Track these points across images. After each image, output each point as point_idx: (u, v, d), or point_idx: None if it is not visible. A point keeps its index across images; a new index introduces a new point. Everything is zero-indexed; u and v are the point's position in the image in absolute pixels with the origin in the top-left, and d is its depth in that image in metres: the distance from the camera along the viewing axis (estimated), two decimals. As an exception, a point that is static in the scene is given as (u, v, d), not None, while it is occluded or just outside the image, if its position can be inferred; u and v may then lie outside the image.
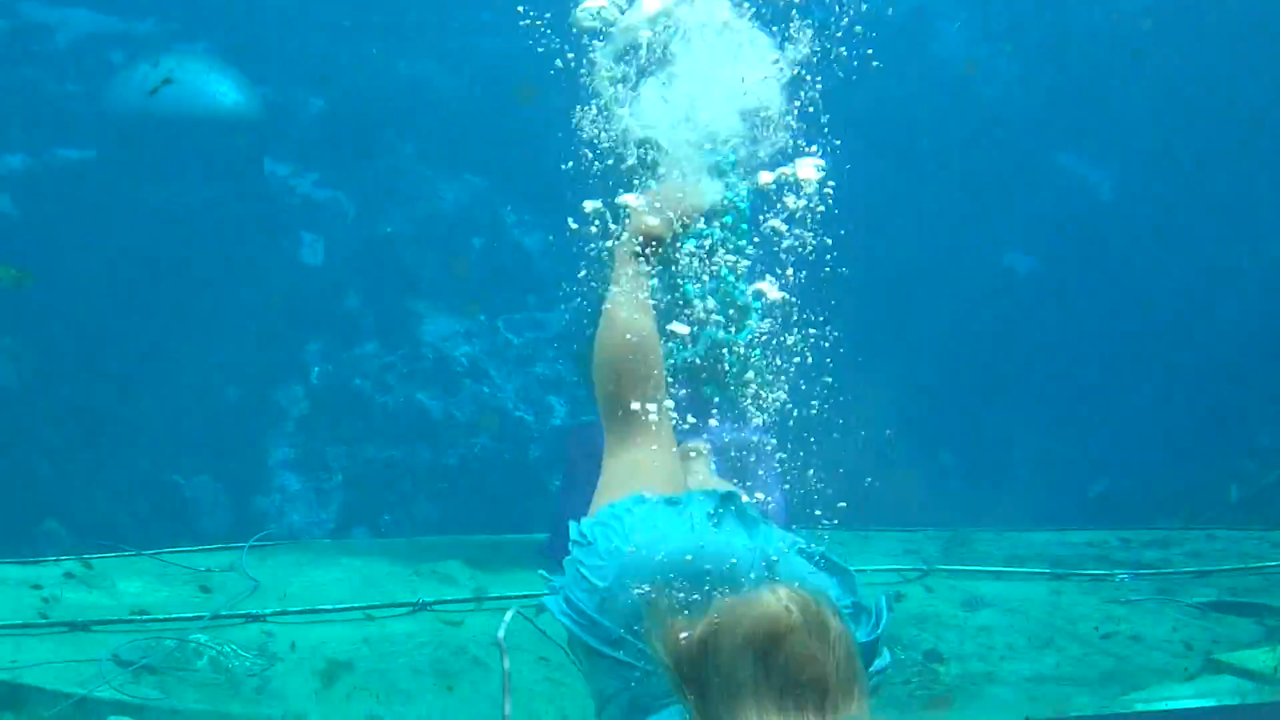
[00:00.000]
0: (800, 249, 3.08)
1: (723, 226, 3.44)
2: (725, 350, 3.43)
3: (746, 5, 3.06)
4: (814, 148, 2.71)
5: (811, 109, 2.99)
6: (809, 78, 2.93)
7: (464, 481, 12.45)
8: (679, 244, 3.33)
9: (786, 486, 3.52)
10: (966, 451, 13.05)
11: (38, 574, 8.30)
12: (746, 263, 3.35)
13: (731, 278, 3.44)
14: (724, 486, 3.11)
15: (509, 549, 9.71)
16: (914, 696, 6.86)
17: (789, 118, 3.04)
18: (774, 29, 3.01)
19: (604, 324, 3.13)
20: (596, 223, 3.32)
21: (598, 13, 2.37)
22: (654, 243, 3.26)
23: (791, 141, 3.04)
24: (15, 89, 13.50)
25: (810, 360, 3.37)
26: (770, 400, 3.33)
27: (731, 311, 3.44)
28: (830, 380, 3.47)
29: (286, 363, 13.00)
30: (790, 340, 3.32)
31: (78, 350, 12.44)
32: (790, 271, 3.15)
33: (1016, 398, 13.21)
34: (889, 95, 11.38)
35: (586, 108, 3.00)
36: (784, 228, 3.07)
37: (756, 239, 3.22)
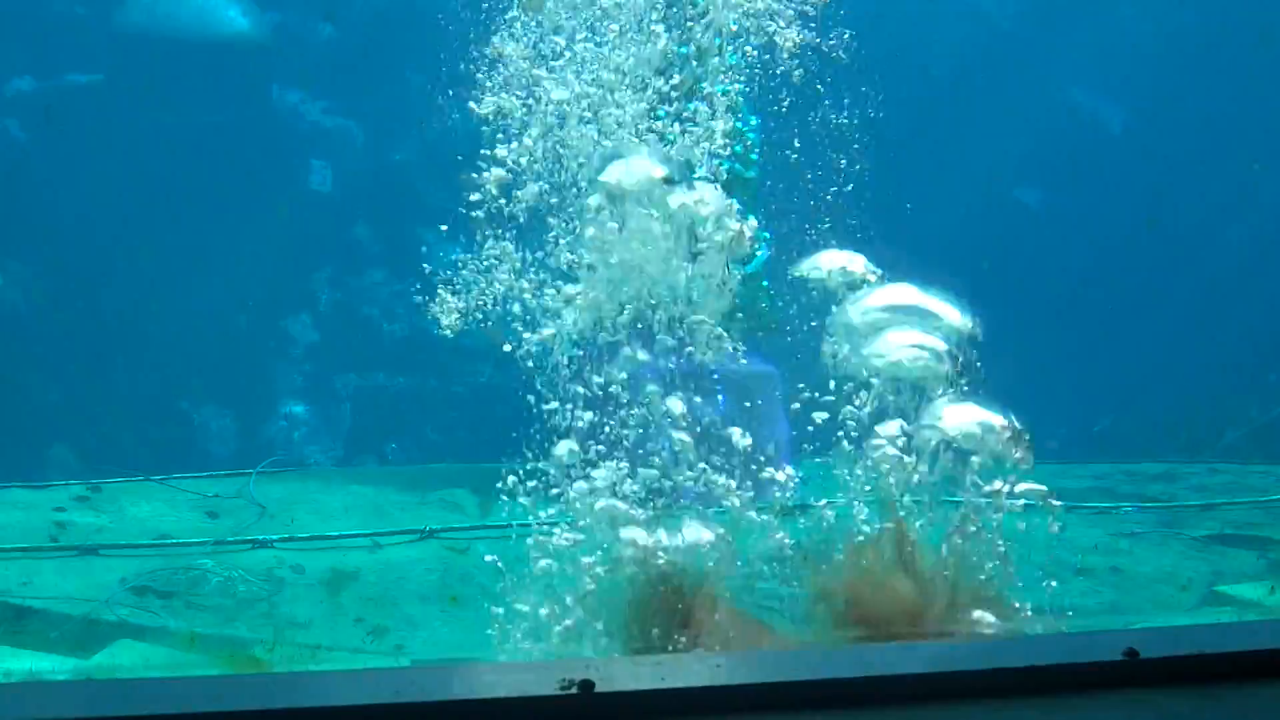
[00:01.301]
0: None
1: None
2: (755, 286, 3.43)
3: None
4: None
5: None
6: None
7: (471, 409, 12.42)
8: None
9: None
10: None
11: (47, 498, 8.31)
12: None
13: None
14: None
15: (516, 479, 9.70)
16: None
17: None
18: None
19: None
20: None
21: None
22: None
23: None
24: (23, 12, 13.36)
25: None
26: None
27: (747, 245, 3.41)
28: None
29: (295, 290, 12.95)
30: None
31: (85, 275, 12.39)
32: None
33: (1024, 332, 13.15)
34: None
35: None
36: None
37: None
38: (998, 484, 3.35)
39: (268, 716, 1.84)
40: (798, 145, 5.67)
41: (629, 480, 3.76)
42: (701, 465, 3.65)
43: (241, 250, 12.35)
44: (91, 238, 12.31)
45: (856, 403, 3.45)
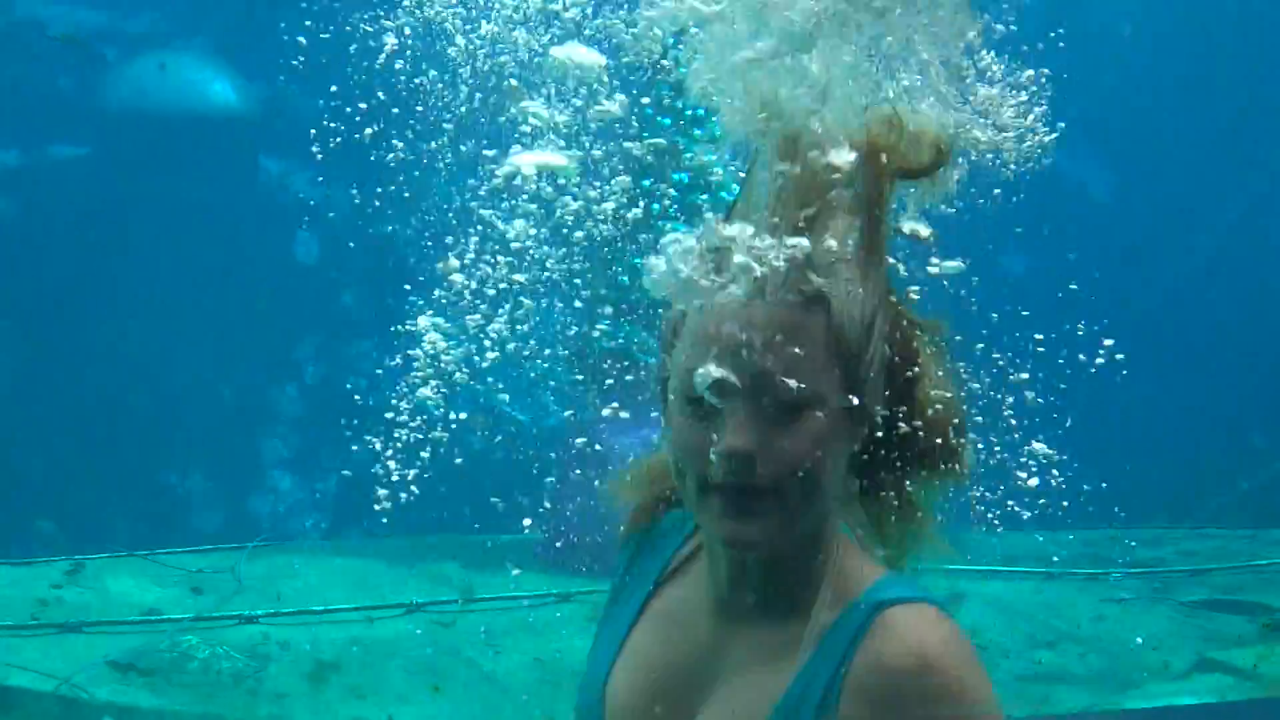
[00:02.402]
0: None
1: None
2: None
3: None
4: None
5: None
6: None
7: (458, 481, 12.37)
8: None
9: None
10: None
11: (30, 574, 8.25)
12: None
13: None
14: None
15: (502, 549, 9.67)
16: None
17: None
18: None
19: None
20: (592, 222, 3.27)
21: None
22: None
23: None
24: (11, 85, 13.41)
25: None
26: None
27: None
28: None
29: (281, 361, 12.94)
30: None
31: (71, 347, 12.37)
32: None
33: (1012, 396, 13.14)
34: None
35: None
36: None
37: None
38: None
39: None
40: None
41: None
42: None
43: (227, 321, 12.35)
44: (77, 310, 12.30)
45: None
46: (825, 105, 1.89)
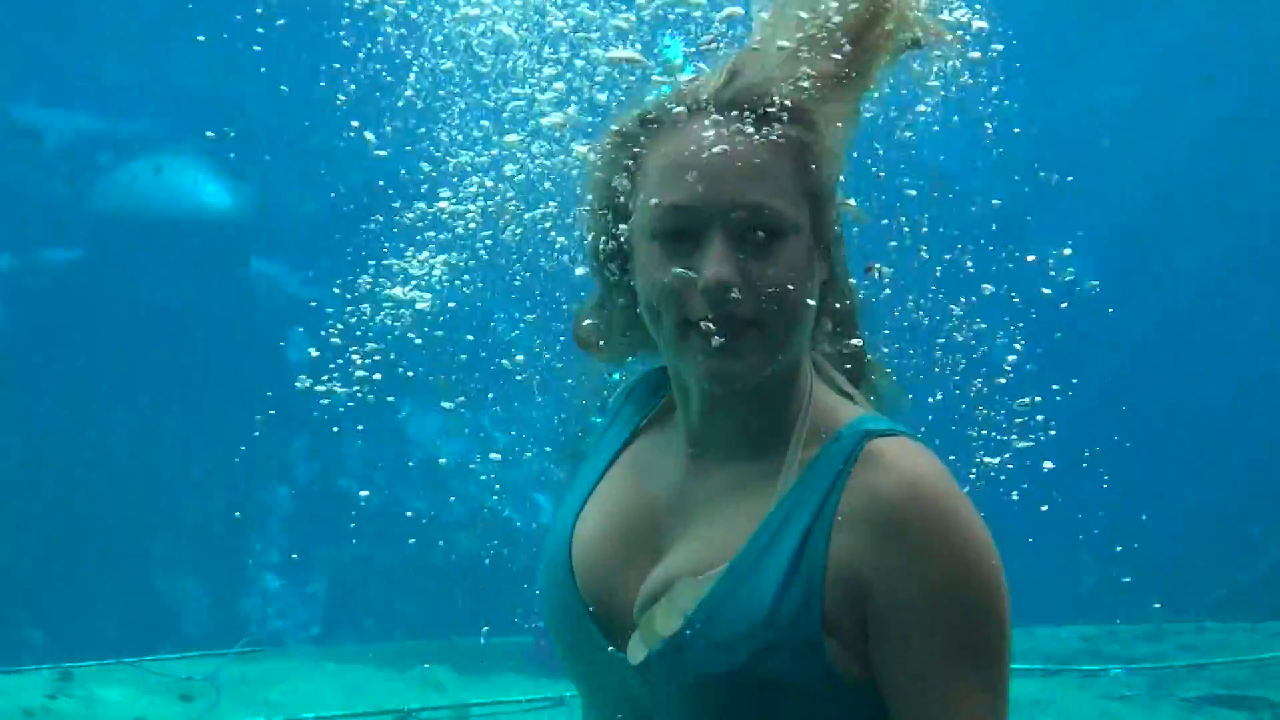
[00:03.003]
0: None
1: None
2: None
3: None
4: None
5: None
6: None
7: (450, 582, 12.28)
8: None
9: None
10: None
11: (19, 683, 8.14)
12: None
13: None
14: None
15: (496, 652, 9.57)
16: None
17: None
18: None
19: None
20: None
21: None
22: None
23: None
24: (3, 190, 13.47)
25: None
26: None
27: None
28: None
29: (271, 462, 12.88)
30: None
31: (60, 449, 12.32)
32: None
33: (1006, 491, 13.11)
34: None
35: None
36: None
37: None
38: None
39: None
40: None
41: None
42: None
43: (218, 422, 12.30)
44: (67, 414, 12.27)
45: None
46: None
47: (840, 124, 1.91)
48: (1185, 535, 13.18)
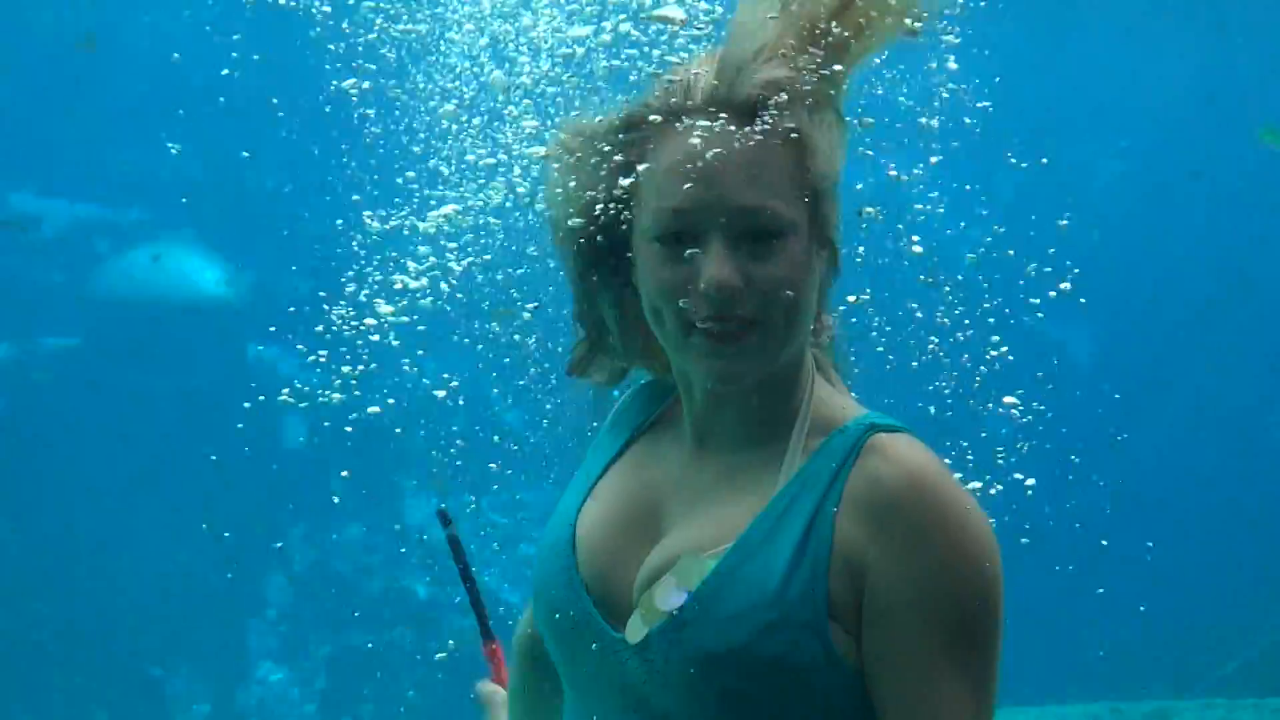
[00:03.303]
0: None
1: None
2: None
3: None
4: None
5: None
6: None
7: (450, 668, 12.19)
8: None
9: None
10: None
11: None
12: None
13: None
14: None
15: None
16: None
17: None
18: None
19: None
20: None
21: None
22: None
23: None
24: (2, 277, 13.53)
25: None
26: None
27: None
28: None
29: (269, 549, 12.81)
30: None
31: (56, 538, 12.27)
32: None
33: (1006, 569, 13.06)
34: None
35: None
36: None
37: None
38: None
39: None
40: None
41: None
42: None
43: (214, 509, 12.26)
44: (63, 502, 12.23)
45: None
46: None
47: (832, 120, 1.94)
48: (1188, 611, 13.12)
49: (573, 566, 2.01)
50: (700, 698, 1.85)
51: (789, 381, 1.97)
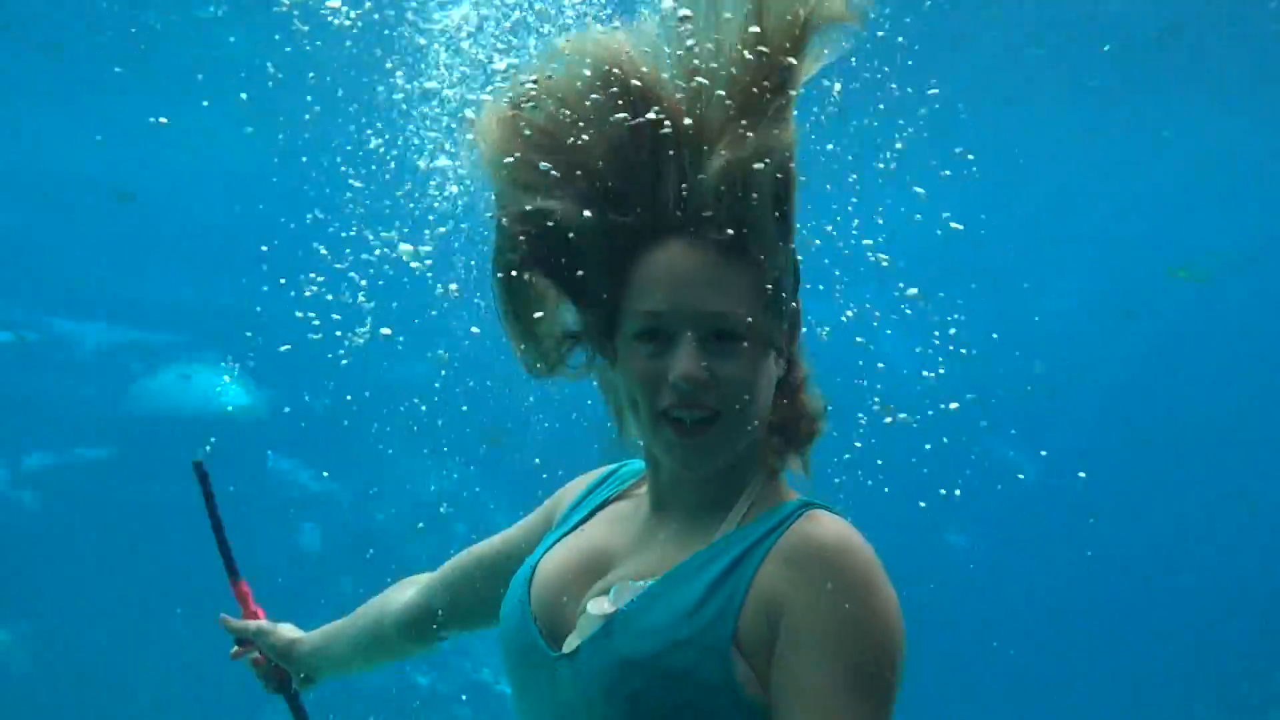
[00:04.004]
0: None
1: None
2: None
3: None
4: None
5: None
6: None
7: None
8: None
9: None
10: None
11: None
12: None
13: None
14: None
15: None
16: None
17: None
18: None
19: None
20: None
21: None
22: None
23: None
24: (41, 393, 13.60)
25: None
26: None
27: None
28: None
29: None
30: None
31: (86, 635, 12.14)
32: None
33: (958, 671, 12.98)
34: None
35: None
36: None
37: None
38: None
39: None
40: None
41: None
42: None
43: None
44: (93, 600, 12.13)
45: None
46: None
47: (787, 247, 2.03)
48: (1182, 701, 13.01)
49: (526, 600, 2.11)
50: (614, 701, 1.93)
51: (745, 464, 2.05)
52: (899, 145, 2.30)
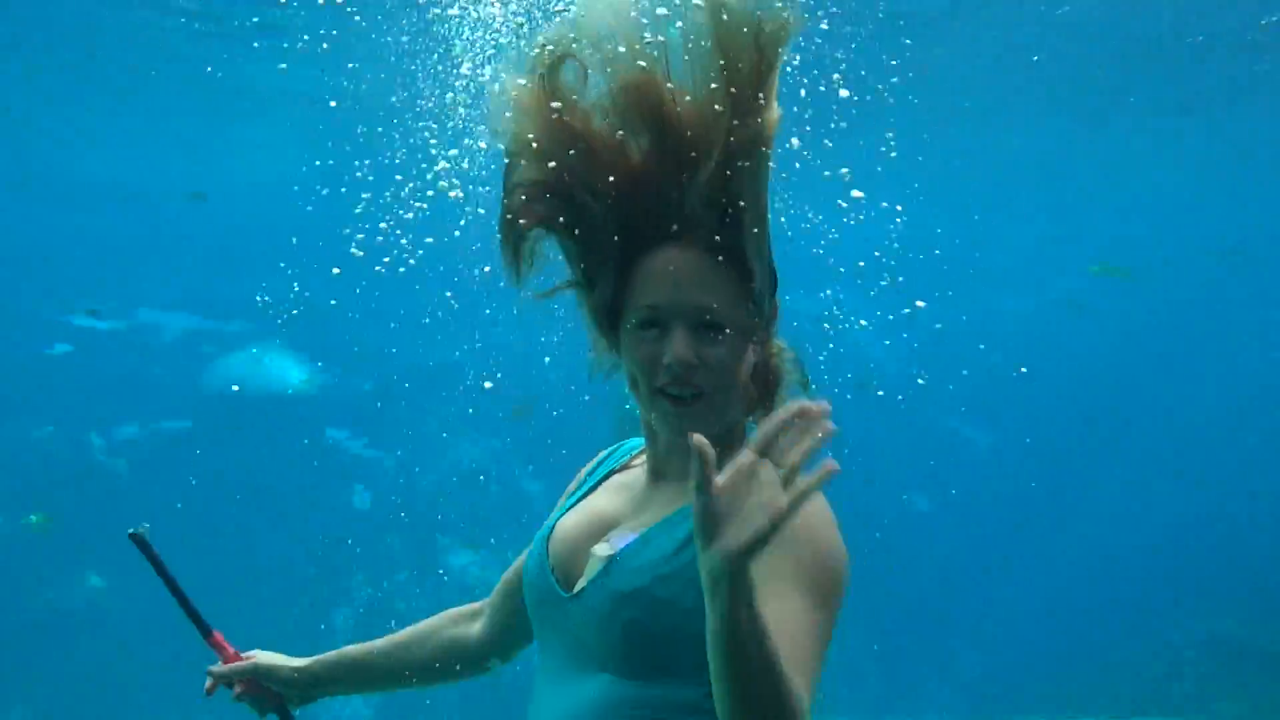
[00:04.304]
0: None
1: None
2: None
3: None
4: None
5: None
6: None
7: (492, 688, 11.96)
8: None
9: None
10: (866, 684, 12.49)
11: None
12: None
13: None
14: None
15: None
16: None
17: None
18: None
19: None
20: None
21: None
22: None
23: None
24: (130, 374, 13.74)
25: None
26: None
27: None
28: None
29: (337, 591, 12.73)
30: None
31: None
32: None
33: (920, 625, 13.00)
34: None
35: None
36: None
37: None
38: None
39: None
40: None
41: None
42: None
43: (293, 559, 12.21)
44: (177, 547, 12.17)
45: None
46: None
47: (765, 256, 2.11)
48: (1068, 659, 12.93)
49: (545, 554, 2.23)
50: (613, 628, 2.05)
51: (727, 437, 2.12)
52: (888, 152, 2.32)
